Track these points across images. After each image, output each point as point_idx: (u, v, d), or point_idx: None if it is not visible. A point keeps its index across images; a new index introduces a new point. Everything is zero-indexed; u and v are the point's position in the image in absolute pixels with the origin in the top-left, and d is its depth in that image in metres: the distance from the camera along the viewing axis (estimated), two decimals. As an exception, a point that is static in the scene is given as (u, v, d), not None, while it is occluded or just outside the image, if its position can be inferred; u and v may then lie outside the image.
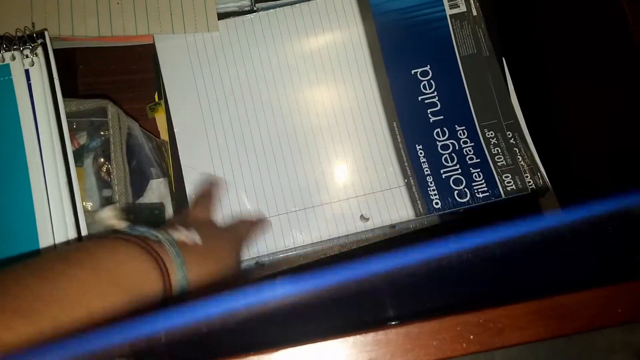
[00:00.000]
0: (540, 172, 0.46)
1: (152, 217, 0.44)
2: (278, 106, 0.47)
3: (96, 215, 0.37)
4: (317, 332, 0.28)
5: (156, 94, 0.51)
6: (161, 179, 0.46)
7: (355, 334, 0.26)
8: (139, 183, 0.44)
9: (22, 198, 0.37)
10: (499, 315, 0.27)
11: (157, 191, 0.45)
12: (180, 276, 0.27)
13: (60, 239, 0.36)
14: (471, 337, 0.27)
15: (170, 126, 0.47)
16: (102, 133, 0.42)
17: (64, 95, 0.41)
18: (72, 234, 0.37)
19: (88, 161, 0.41)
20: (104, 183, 0.41)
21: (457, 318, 0.27)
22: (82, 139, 0.42)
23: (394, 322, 0.28)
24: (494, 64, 0.48)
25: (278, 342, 0.26)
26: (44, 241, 0.36)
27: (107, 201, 0.41)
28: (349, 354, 0.26)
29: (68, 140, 0.39)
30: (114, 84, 0.56)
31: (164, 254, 0.28)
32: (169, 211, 0.45)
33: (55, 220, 0.37)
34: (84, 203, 0.40)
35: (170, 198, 0.45)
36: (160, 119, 0.48)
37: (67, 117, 0.40)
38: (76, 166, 0.40)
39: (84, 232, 0.37)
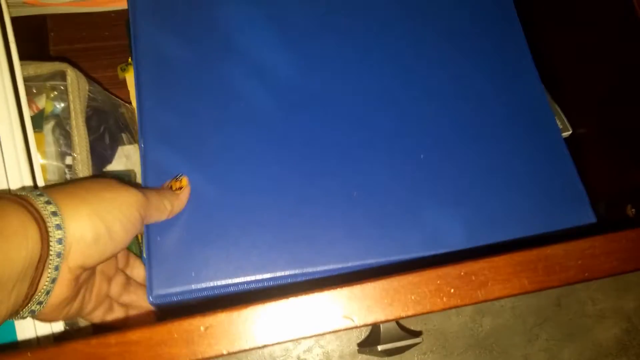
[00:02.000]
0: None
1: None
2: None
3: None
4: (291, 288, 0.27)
5: (129, 59, 0.48)
6: (131, 146, 0.43)
7: (330, 289, 0.24)
8: (107, 149, 0.42)
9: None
10: (481, 268, 0.26)
11: (126, 158, 0.43)
12: (56, 238, 0.25)
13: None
14: (452, 290, 0.25)
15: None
16: (62, 98, 0.40)
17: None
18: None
19: (48, 127, 0.39)
20: (65, 150, 0.39)
21: (437, 271, 0.25)
22: (42, 103, 0.40)
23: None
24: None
25: (253, 298, 0.24)
26: None
27: (69, 169, 0.38)
28: (323, 309, 0.24)
29: (25, 102, 0.37)
30: (86, 51, 0.54)
31: (44, 214, 0.26)
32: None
33: (12, 186, 0.35)
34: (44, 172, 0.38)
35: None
36: (130, 79, 0.45)
37: (25, 81, 0.37)
38: (35, 131, 0.37)
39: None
